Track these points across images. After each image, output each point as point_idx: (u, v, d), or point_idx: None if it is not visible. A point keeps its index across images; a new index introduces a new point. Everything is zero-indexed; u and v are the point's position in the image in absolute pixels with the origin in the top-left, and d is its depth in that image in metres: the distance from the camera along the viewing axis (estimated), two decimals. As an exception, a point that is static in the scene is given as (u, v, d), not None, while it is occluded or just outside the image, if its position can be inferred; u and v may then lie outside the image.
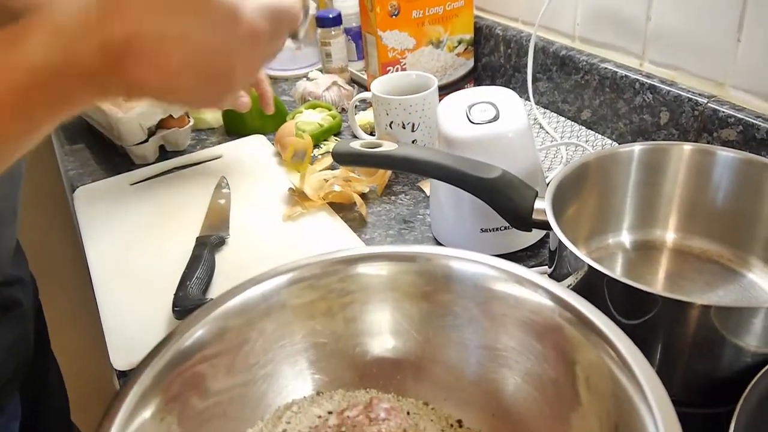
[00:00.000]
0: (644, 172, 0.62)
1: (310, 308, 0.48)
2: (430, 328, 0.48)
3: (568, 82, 0.89)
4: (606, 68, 0.83)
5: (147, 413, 0.39)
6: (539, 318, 0.43)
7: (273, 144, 0.90)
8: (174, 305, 0.59)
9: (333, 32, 1.06)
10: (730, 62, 0.70)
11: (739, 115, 0.68)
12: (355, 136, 0.90)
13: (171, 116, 0.89)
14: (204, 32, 0.34)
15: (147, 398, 0.39)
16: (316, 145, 0.90)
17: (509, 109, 0.63)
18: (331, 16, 1.06)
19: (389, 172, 0.80)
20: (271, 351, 0.47)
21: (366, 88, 1.03)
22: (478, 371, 0.46)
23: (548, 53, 0.91)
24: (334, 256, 0.48)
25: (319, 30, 1.07)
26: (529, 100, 0.93)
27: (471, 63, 1.01)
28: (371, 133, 0.91)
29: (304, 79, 1.04)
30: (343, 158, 0.61)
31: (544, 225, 0.53)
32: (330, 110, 0.95)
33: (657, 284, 0.61)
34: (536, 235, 0.67)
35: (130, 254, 0.71)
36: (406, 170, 0.69)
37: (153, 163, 0.90)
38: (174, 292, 0.61)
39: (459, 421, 0.46)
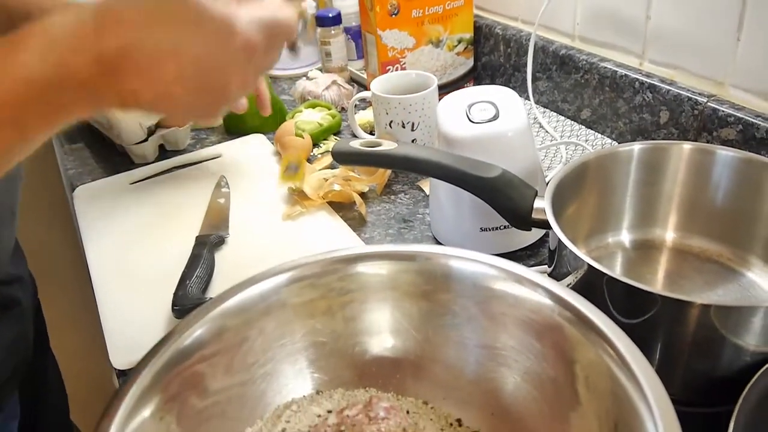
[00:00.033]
0: (644, 171, 0.62)
1: (309, 307, 0.48)
2: (429, 327, 0.48)
3: (567, 81, 0.89)
4: (606, 67, 0.83)
5: (146, 412, 0.39)
6: (539, 317, 0.43)
7: (273, 143, 0.90)
8: (173, 304, 0.59)
9: (333, 31, 1.06)
10: (729, 61, 0.70)
11: (738, 115, 0.68)
12: (354, 136, 0.90)
13: (171, 115, 0.89)
14: (199, 45, 0.34)
15: (146, 397, 0.39)
16: (316, 144, 0.90)
17: (509, 108, 0.63)
18: (330, 15, 1.06)
19: (389, 172, 0.80)
20: (271, 350, 0.47)
21: (366, 88, 1.03)
22: (478, 370, 0.46)
23: (548, 52, 0.91)
24: (333, 255, 0.48)
25: (319, 29, 1.07)
26: (529, 100, 0.93)
27: (471, 62, 1.01)
28: (371, 133, 0.91)
29: (304, 78, 1.04)
30: (342, 157, 0.61)
31: (544, 224, 0.53)
32: (329, 109, 0.95)
33: (656, 283, 0.61)
34: (536, 234, 0.67)
35: (129, 253, 0.71)
36: (406, 169, 0.69)
37: (152, 162, 0.90)
38: (173, 291, 0.61)
39: (458, 420, 0.46)
